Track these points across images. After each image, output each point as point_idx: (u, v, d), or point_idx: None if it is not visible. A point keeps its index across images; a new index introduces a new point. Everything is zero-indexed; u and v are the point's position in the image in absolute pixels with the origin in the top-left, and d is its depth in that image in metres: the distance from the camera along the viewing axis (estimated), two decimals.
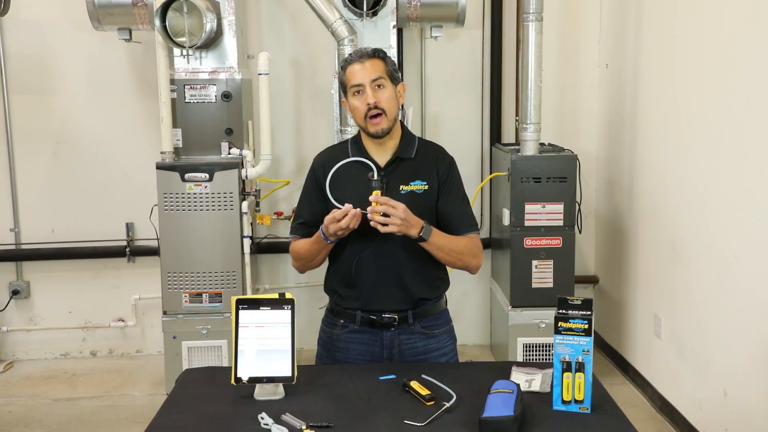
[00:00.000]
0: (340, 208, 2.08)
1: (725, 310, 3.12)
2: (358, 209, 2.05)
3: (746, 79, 2.94)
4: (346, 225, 2.06)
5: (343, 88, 2.23)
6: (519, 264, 3.93)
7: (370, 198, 2.04)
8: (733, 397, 3.08)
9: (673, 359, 3.60)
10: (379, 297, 2.23)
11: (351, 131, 3.80)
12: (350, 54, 2.22)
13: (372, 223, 2.05)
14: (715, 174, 3.18)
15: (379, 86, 2.16)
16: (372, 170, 2.13)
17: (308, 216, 2.29)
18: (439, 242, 2.17)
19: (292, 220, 2.37)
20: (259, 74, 3.82)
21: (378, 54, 2.19)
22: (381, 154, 2.24)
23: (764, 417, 2.85)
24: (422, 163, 2.25)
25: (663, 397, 3.72)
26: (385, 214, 2.03)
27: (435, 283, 2.29)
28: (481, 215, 4.60)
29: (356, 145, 2.27)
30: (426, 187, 2.23)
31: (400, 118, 2.27)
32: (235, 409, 1.88)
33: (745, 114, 2.95)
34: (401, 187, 2.20)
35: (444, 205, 2.25)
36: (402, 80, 2.28)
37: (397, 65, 2.26)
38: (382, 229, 2.05)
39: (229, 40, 3.86)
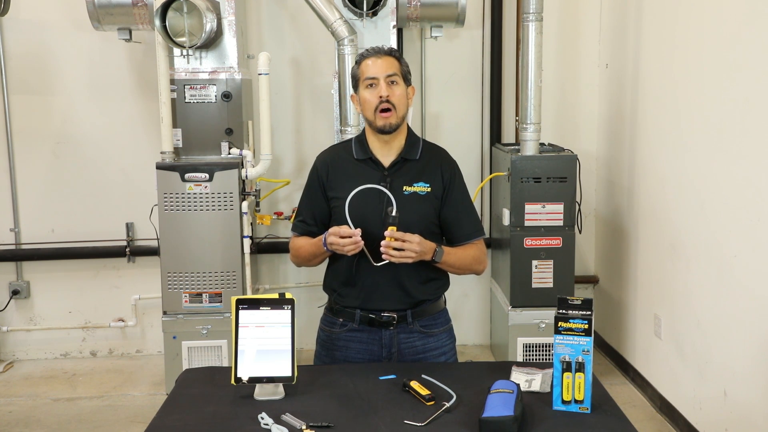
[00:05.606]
0: (350, 227, 2.08)
1: (725, 310, 3.12)
2: (362, 243, 2.06)
3: (746, 79, 2.94)
4: (343, 245, 2.06)
5: (355, 82, 2.23)
6: (519, 264, 3.93)
7: (386, 233, 2.06)
8: (733, 397, 3.08)
9: (673, 359, 3.60)
10: (378, 296, 2.23)
11: (351, 131, 3.80)
12: (366, 49, 2.23)
13: (384, 256, 2.06)
14: (715, 174, 3.18)
15: (392, 82, 2.18)
16: (392, 205, 2.11)
17: (308, 214, 2.30)
18: (450, 260, 2.21)
19: (293, 216, 2.38)
20: (259, 74, 3.81)
21: (393, 53, 2.22)
22: (386, 153, 2.24)
23: (764, 417, 2.85)
24: (426, 165, 2.26)
25: (663, 397, 3.72)
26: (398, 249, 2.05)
27: (435, 284, 2.30)
28: (482, 215, 4.59)
29: (360, 144, 2.26)
30: (429, 189, 2.23)
31: None
32: (235, 409, 1.88)
33: (744, 114, 2.95)
34: (404, 187, 2.21)
35: (450, 210, 2.26)
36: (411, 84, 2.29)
37: (409, 68, 2.27)
38: (396, 261, 2.07)
39: (229, 40, 3.86)
